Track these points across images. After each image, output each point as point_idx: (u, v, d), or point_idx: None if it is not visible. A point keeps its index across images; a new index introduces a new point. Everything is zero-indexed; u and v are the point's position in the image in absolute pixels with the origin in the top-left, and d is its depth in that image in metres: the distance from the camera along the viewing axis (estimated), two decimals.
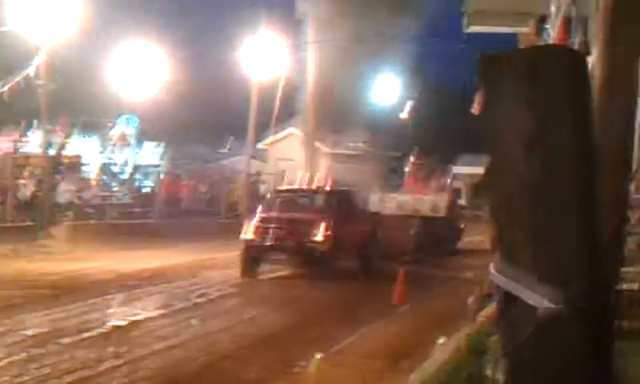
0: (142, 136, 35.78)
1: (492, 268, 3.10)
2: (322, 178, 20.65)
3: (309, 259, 17.33)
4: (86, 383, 8.37)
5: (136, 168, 34.79)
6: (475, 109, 3.11)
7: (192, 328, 11.56)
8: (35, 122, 29.04)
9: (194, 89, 36.49)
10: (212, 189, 35.64)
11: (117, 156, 33.99)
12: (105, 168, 32.84)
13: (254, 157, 37.35)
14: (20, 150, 28.41)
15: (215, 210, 32.97)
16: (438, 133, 46.93)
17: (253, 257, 17.34)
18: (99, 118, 33.15)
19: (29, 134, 29.86)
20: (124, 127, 34.58)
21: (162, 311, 12.80)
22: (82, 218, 26.39)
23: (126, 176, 33.75)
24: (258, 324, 12.23)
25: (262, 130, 39.36)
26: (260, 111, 34.08)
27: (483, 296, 6.71)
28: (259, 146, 41.98)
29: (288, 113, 38.24)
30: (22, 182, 26.60)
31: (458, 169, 44.92)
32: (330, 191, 19.35)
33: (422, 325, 12.26)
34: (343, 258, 18.25)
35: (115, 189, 32.27)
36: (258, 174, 37.86)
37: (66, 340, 10.14)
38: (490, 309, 8.66)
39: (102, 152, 33.28)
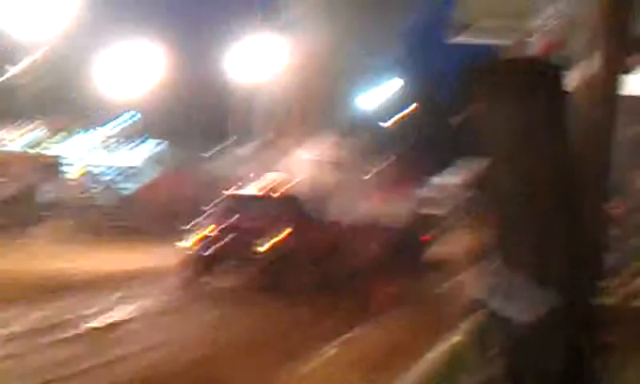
0: (145, 134, 35.61)
1: (474, 281, 3.11)
2: (277, 183, 19.44)
3: (255, 272, 15.63)
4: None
5: (120, 170, 34.71)
6: (455, 121, 3.12)
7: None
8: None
9: (191, 90, 36.30)
10: (196, 191, 35.35)
11: (104, 156, 33.94)
12: (87, 169, 32.82)
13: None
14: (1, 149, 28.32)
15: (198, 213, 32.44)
16: (424, 142, 46.82)
17: (195, 269, 15.82)
18: (96, 115, 33.02)
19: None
20: (125, 124, 34.58)
21: None
22: (63, 219, 26.36)
23: (108, 178, 33.74)
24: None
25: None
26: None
27: (462, 308, 6.71)
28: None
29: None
30: (2, 180, 26.50)
31: (440, 178, 44.24)
32: (282, 198, 17.87)
33: (400, 335, 12.16)
34: (298, 271, 16.14)
35: (95, 191, 32.21)
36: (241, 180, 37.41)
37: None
38: (471, 321, 8.66)
39: (93, 150, 33.20)
